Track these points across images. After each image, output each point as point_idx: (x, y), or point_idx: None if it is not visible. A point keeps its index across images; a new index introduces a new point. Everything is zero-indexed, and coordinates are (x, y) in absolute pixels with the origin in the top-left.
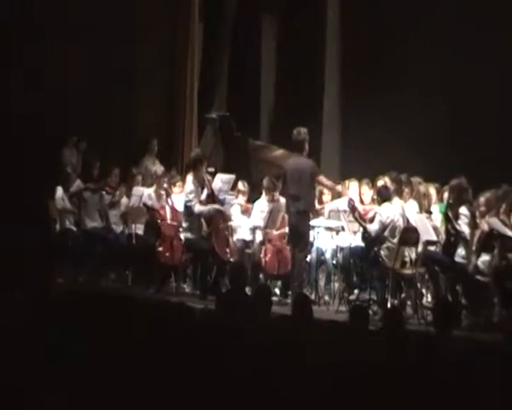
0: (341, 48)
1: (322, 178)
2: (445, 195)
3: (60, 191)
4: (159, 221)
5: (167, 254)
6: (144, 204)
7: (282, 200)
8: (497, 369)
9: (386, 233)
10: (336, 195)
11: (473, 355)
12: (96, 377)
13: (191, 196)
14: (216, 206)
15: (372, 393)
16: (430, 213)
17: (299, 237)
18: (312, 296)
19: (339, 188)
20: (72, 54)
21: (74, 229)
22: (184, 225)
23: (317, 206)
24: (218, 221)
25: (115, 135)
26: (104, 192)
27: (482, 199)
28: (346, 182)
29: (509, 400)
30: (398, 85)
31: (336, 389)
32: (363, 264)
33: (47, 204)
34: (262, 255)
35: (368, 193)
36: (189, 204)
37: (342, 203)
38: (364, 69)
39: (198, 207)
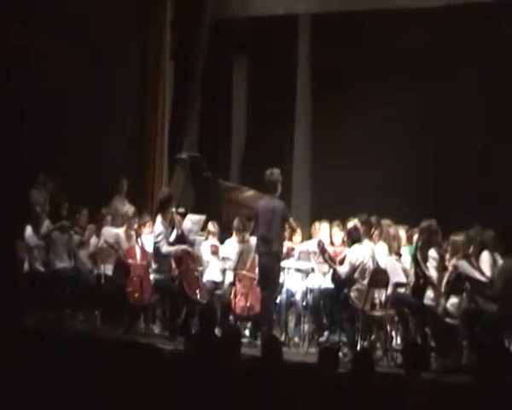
0: (312, 88)
1: (291, 221)
2: (415, 237)
3: (29, 230)
4: (129, 261)
5: (136, 294)
6: (105, 242)
7: (253, 240)
8: None
9: (356, 275)
10: (307, 237)
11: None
12: None
13: (159, 238)
14: (183, 246)
15: None
16: (400, 255)
17: (269, 279)
18: (282, 338)
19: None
20: (43, 91)
21: (42, 269)
22: (154, 266)
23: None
24: (187, 262)
25: (84, 175)
26: (73, 232)
27: (451, 241)
28: (317, 224)
29: None
30: (368, 128)
31: None
32: (333, 305)
33: (15, 244)
34: (232, 296)
35: (338, 235)
36: (157, 245)
37: (312, 245)
38: (335, 111)
39: (166, 248)
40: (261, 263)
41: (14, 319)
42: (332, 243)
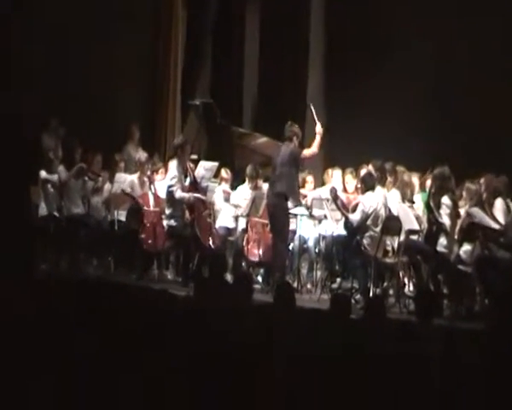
0: (325, 36)
1: (306, 153)
2: (428, 184)
3: (44, 174)
4: (143, 208)
5: (150, 240)
6: (123, 191)
7: (265, 187)
8: (478, 358)
9: (369, 222)
10: (320, 183)
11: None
12: (78, 363)
13: (173, 181)
14: (197, 194)
15: (352, 381)
16: (413, 202)
17: (275, 221)
18: (295, 284)
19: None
20: (55, 40)
21: (57, 214)
22: (167, 211)
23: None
24: (200, 209)
25: (97, 121)
26: (87, 178)
27: (464, 188)
28: (330, 170)
29: (490, 388)
30: (382, 74)
31: (316, 376)
32: (346, 252)
33: (29, 189)
34: (244, 243)
35: (351, 182)
36: (170, 189)
37: (325, 192)
38: (349, 57)
39: (179, 194)
40: (268, 206)
41: (30, 265)
42: (345, 190)
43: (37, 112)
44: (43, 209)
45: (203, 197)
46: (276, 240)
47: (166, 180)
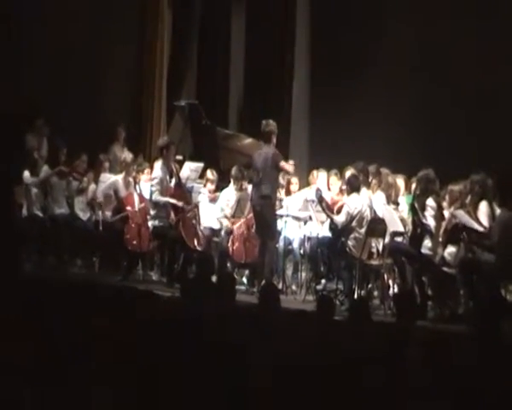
0: (311, 37)
1: (284, 163)
2: (413, 186)
3: (27, 174)
4: (127, 208)
5: (135, 241)
6: (104, 193)
7: (250, 189)
8: (460, 361)
9: (354, 224)
10: (304, 185)
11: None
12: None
13: (154, 182)
14: (172, 200)
15: (336, 383)
16: (397, 204)
17: (264, 224)
18: (279, 286)
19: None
20: (41, 40)
21: (41, 215)
22: (152, 212)
23: (284, 196)
24: (185, 210)
25: (82, 121)
26: (71, 178)
27: (449, 190)
28: (315, 172)
29: (473, 391)
30: (367, 77)
31: (300, 379)
32: (331, 254)
33: (13, 190)
34: (229, 244)
35: (336, 183)
36: (151, 190)
37: (310, 193)
38: (334, 61)
39: (156, 196)
40: (255, 209)
41: (14, 264)
42: (329, 191)
43: (23, 112)
44: (26, 210)
45: (179, 203)
46: (264, 239)
47: (152, 182)
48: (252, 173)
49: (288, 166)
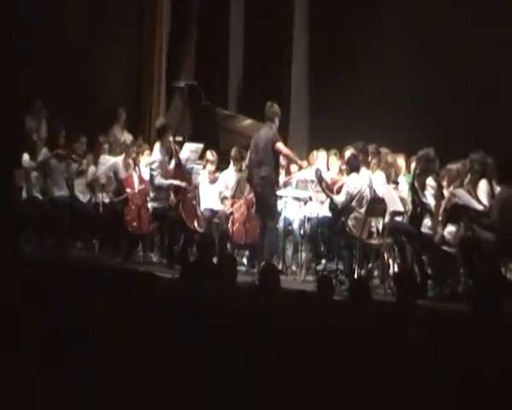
0: (309, 20)
1: (281, 146)
2: (413, 166)
3: (26, 157)
4: (127, 190)
5: (135, 223)
6: (105, 174)
7: None
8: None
9: (354, 203)
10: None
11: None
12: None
13: (154, 166)
14: (176, 181)
15: (336, 364)
16: (397, 183)
17: (264, 204)
18: (279, 266)
19: (300, 163)
20: (42, 25)
21: (40, 197)
22: (152, 194)
23: (285, 177)
24: (185, 191)
25: (82, 103)
26: (71, 160)
27: (448, 170)
28: (314, 152)
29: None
30: (366, 56)
31: (299, 360)
32: (331, 234)
33: (12, 172)
34: (229, 225)
35: (335, 163)
36: (151, 174)
37: (310, 173)
38: (332, 41)
39: (158, 180)
40: (255, 190)
41: (13, 248)
42: (329, 171)
43: (21, 94)
44: (25, 192)
45: (182, 184)
46: (265, 220)
47: (152, 165)
48: (252, 154)
49: (286, 149)
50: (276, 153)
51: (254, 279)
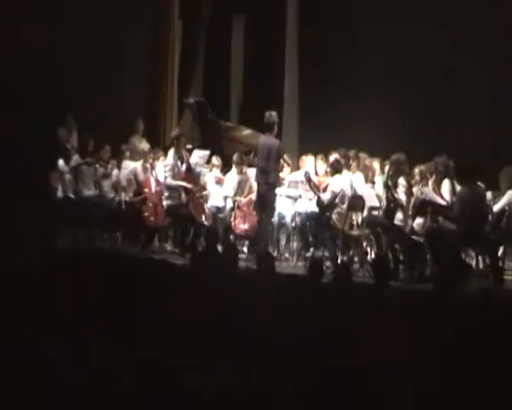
0: (300, 31)
1: (286, 157)
2: (386, 168)
3: (61, 162)
4: (145, 190)
5: (152, 218)
6: (126, 178)
7: (249, 172)
8: (429, 315)
9: (337, 200)
10: (295, 168)
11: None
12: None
13: (167, 168)
14: (183, 183)
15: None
16: (374, 183)
17: (266, 205)
18: (275, 254)
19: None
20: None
21: (73, 197)
22: (166, 193)
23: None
24: (194, 190)
25: (107, 118)
26: (98, 165)
27: (417, 171)
28: (304, 157)
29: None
30: (352, 71)
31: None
32: (318, 226)
33: (48, 176)
34: (232, 219)
35: (322, 166)
36: (165, 175)
37: (300, 175)
38: (320, 60)
39: (169, 181)
40: (260, 192)
41: (50, 239)
42: (316, 174)
43: (56, 109)
44: (60, 192)
45: (189, 186)
46: (262, 216)
47: (165, 168)
48: (255, 160)
49: (288, 160)
50: (279, 161)
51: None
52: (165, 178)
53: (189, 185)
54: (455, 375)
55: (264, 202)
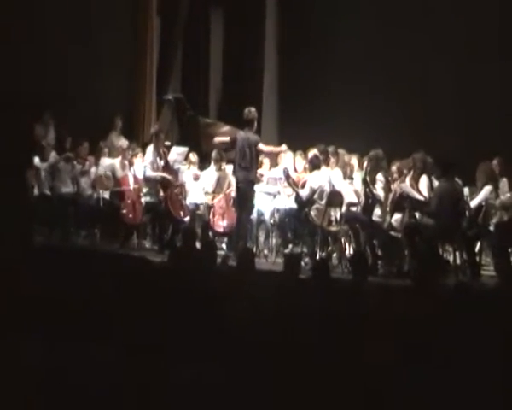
0: (279, 36)
1: (262, 146)
2: (365, 164)
3: (37, 160)
4: (123, 187)
5: (130, 215)
6: (104, 175)
7: (228, 168)
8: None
9: (316, 196)
10: (274, 164)
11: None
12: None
13: (146, 163)
14: (163, 174)
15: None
16: (352, 179)
17: (246, 201)
18: (254, 250)
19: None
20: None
21: (49, 194)
22: (144, 190)
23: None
24: (172, 187)
25: (84, 114)
26: (76, 162)
27: (395, 167)
28: (282, 154)
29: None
30: (329, 71)
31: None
32: (296, 222)
33: (25, 173)
34: (211, 216)
35: (300, 162)
36: (144, 169)
37: (278, 172)
38: (298, 60)
39: (149, 172)
40: (240, 188)
41: (26, 237)
42: (295, 170)
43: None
44: (36, 190)
45: (169, 176)
46: (241, 213)
47: (144, 163)
48: (234, 154)
49: (266, 148)
50: (258, 155)
51: (232, 261)
52: (145, 172)
53: (169, 176)
54: (436, 371)
55: (245, 199)
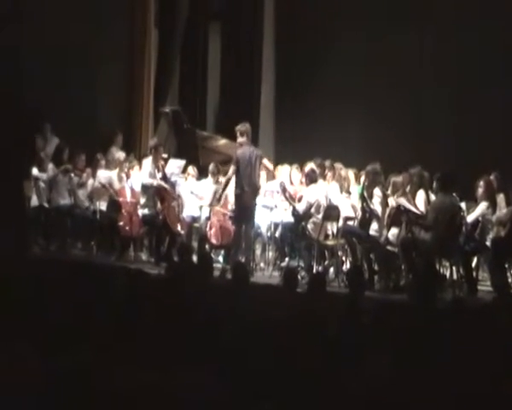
0: (276, 53)
1: (267, 163)
2: (362, 178)
3: (35, 171)
4: (120, 199)
5: (127, 227)
6: (99, 182)
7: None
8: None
9: (312, 210)
10: (271, 178)
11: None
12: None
13: (144, 173)
14: (160, 182)
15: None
16: (349, 193)
17: (250, 214)
18: (250, 264)
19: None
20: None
21: (46, 205)
22: (141, 202)
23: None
24: (169, 199)
25: (82, 127)
26: (73, 174)
27: (392, 181)
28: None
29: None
30: (324, 86)
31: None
32: (293, 236)
33: (22, 184)
34: (208, 229)
35: (297, 176)
36: (142, 179)
37: (275, 185)
38: (294, 76)
39: (146, 180)
40: (242, 201)
41: (23, 248)
42: (291, 183)
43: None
44: (34, 201)
45: (166, 186)
46: (244, 225)
47: (141, 175)
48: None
49: (269, 165)
50: (260, 170)
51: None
52: (143, 181)
53: (166, 185)
54: (432, 385)
55: (247, 212)
